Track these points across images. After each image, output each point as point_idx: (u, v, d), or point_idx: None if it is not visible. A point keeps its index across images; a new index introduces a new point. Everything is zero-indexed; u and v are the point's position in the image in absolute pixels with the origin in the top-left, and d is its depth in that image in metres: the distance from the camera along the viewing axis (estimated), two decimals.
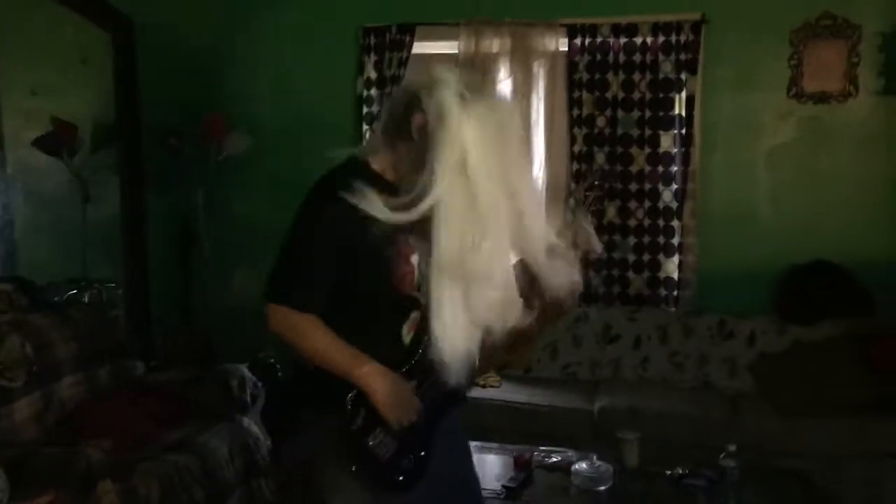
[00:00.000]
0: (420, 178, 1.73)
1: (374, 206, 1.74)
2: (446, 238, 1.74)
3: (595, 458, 2.98)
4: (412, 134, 1.79)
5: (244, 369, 3.77)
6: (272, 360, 4.25)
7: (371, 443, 1.89)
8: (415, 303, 1.93)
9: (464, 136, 1.71)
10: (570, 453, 3.12)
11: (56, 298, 3.86)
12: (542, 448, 3.19)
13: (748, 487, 2.80)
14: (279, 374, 4.18)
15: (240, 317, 4.40)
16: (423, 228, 1.80)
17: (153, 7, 4.50)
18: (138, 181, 4.54)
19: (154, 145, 4.49)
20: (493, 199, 1.74)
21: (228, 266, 4.54)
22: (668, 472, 2.95)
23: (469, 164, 1.72)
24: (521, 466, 3.02)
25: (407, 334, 1.96)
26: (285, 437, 3.72)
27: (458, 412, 2.14)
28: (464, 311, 1.84)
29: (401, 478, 1.93)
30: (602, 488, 2.87)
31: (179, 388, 3.62)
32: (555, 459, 3.09)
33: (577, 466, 2.96)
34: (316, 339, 1.86)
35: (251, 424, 3.65)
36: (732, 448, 2.77)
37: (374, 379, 1.85)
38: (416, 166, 1.76)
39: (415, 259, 1.91)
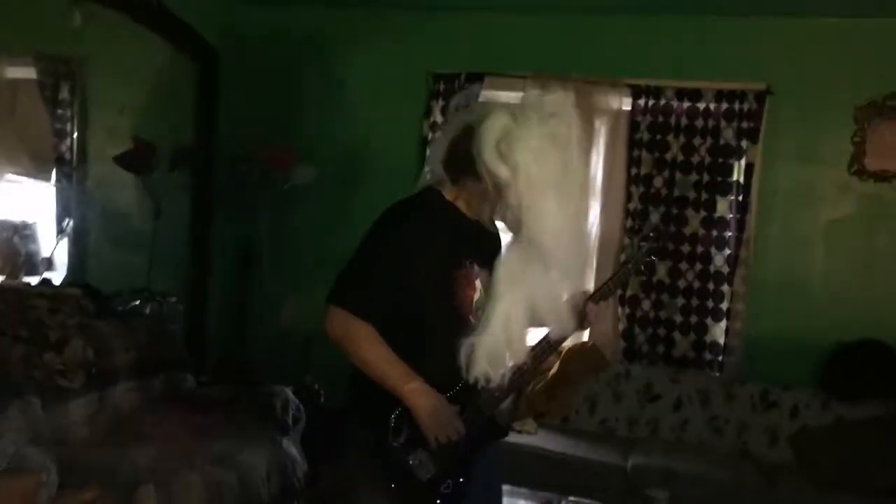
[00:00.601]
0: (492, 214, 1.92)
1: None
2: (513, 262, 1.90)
3: None
4: (476, 170, 1.90)
5: (288, 392, 3.88)
6: (316, 386, 4.36)
7: (411, 462, 1.95)
8: (469, 329, 1.99)
9: (520, 157, 1.84)
10: None
11: (120, 308, 4.06)
12: (570, 498, 3.21)
13: None
14: (322, 399, 4.28)
15: (290, 342, 4.56)
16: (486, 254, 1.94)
17: (239, 41, 4.75)
18: (208, 203, 4.75)
19: (225, 170, 4.70)
20: (557, 221, 1.88)
21: (284, 292, 4.69)
22: None
23: (531, 181, 1.85)
24: None
25: (459, 359, 2.00)
26: (325, 461, 3.84)
27: (495, 454, 2.20)
28: (510, 338, 1.94)
29: (438, 501, 1.98)
30: None
31: (225, 405, 3.74)
32: None
33: None
34: (370, 348, 1.93)
35: (290, 446, 3.75)
36: None
37: (421, 396, 1.92)
38: (487, 203, 1.92)
39: (478, 283, 2.00)
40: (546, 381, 4.36)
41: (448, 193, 2.00)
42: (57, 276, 4.52)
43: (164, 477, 2.97)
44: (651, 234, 2.33)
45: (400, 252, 1.92)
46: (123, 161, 4.54)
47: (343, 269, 1.96)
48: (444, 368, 1.99)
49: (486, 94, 4.59)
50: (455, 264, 1.95)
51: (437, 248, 1.93)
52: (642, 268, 2.34)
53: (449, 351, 1.98)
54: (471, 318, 2.00)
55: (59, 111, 4.94)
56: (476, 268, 2.00)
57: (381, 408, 1.95)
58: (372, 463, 1.97)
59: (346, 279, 1.95)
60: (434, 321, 1.98)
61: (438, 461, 1.97)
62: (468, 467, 2.05)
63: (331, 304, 1.94)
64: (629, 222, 4.44)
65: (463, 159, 1.92)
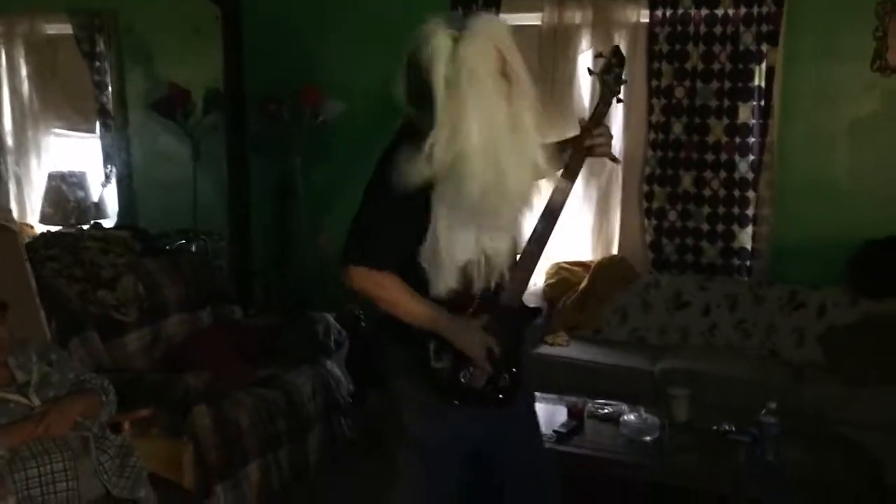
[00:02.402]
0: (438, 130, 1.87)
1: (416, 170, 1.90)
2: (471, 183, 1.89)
3: (643, 410, 3.17)
4: (423, 93, 1.89)
5: (329, 318, 4.10)
6: (358, 312, 4.57)
7: (463, 379, 2.10)
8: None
9: (461, 69, 1.84)
10: (623, 406, 3.31)
11: (167, 246, 4.30)
12: (596, 401, 3.38)
13: (790, 445, 2.92)
14: (363, 323, 4.50)
15: (330, 270, 4.75)
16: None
17: None
18: (242, 143, 4.93)
19: (256, 111, 4.86)
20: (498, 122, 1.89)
21: (321, 223, 4.89)
22: (715, 428, 3.09)
23: (470, 89, 1.84)
24: (574, 415, 3.23)
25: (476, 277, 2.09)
26: (369, 383, 4.06)
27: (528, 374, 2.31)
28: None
29: (500, 395, 2.15)
30: (648, 438, 3.05)
31: (271, 332, 3.98)
32: (606, 411, 3.29)
33: (626, 417, 3.15)
34: (397, 295, 2.04)
35: (334, 367, 3.98)
36: (773, 405, 2.88)
37: (452, 331, 2.05)
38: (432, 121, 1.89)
39: None
40: (576, 294, 4.49)
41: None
42: (109, 222, 4.80)
43: (215, 398, 3.22)
44: (613, 61, 2.19)
45: (398, 199, 1.95)
46: (159, 107, 4.75)
47: (351, 228, 2.04)
48: (464, 290, 2.07)
49: (505, 17, 4.63)
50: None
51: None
52: (618, 97, 2.22)
53: (464, 274, 2.06)
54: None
55: (97, 64, 5.16)
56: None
57: (418, 333, 2.07)
58: (420, 384, 2.11)
59: (356, 238, 2.03)
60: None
61: (490, 365, 2.10)
62: (517, 356, 2.19)
63: (347, 264, 2.02)
64: (652, 135, 4.49)
65: (416, 89, 1.93)
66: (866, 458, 3.04)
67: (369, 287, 2.04)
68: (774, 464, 2.84)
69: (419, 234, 2.01)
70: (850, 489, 2.78)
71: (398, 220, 2.00)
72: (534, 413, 2.41)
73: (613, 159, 2.30)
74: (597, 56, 2.36)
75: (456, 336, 2.06)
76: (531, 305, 2.32)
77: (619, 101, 2.23)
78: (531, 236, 2.12)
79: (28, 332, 2.75)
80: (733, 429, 3.07)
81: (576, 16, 4.50)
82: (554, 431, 3.09)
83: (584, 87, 4.57)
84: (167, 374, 3.34)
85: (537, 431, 2.44)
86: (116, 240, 3.78)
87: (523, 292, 2.17)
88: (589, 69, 2.38)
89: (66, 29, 5.16)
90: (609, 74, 2.19)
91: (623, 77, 2.21)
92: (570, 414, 3.24)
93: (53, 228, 4.36)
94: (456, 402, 2.11)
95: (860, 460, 2.99)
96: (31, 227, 4.94)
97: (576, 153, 2.17)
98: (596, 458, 3.02)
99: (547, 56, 4.55)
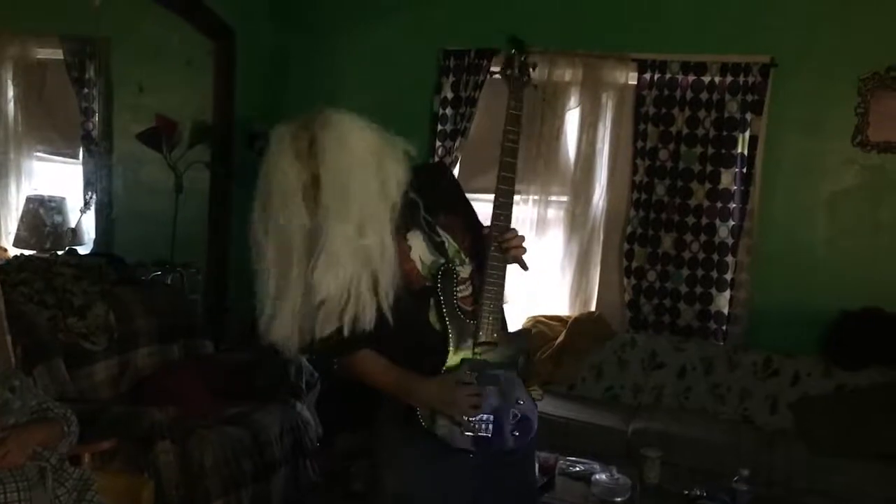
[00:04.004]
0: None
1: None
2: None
3: (615, 470, 3.13)
4: None
5: (303, 359, 4.03)
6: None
7: (468, 433, 2.02)
8: (430, 291, 2.03)
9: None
10: (595, 465, 3.27)
11: (143, 277, 4.24)
12: (568, 458, 3.34)
13: None
14: (335, 366, 4.43)
15: None
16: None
17: (254, 19, 4.88)
18: (227, 177, 4.91)
19: (243, 145, 4.85)
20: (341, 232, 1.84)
21: None
22: (686, 493, 3.07)
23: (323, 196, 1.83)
24: (546, 471, 3.19)
25: (435, 322, 2.05)
26: (342, 427, 3.98)
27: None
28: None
29: (484, 434, 2.04)
30: (619, 500, 3.02)
31: (242, 369, 3.91)
32: (578, 469, 3.25)
33: (597, 476, 3.12)
34: (374, 375, 2.02)
35: (303, 409, 3.91)
36: (745, 472, 2.87)
37: (427, 398, 1.99)
38: None
39: (414, 255, 2.03)
40: (553, 349, 4.47)
41: None
42: (86, 249, 4.74)
43: (180, 433, 3.15)
44: (511, 53, 2.09)
45: None
46: (146, 138, 4.72)
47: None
48: (431, 335, 2.04)
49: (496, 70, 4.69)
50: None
51: None
52: (525, 84, 2.11)
53: (423, 317, 2.03)
54: (423, 283, 2.03)
55: (86, 90, 5.14)
56: (407, 238, 2.02)
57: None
58: (408, 436, 2.04)
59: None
60: (400, 300, 1.98)
61: (486, 413, 2.03)
62: (506, 395, 2.07)
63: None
64: (635, 195, 4.53)
65: None
66: None
67: (347, 370, 2.03)
68: None
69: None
70: None
71: None
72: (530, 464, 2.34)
73: (523, 266, 2.11)
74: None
75: (435, 403, 1.99)
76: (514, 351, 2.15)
77: (535, 87, 2.11)
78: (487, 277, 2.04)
79: None
80: (704, 494, 3.04)
81: (566, 73, 4.57)
82: None
83: (571, 143, 4.62)
84: (132, 406, 3.26)
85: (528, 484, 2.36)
86: (91, 267, 3.73)
87: (496, 326, 2.07)
88: (500, 71, 2.24)
89: (56, 54, 5.15)
90: (511, 68, 2.09)
91: (527, 63, 2.10)
92: (541, 469, 3.19)
93: (28, 252, 4.30)
94: (470, 455, 2.03)
95: None
96: (5, 251, 4.86)
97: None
98: None
99: (535, 111, 4.60)
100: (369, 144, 1.92)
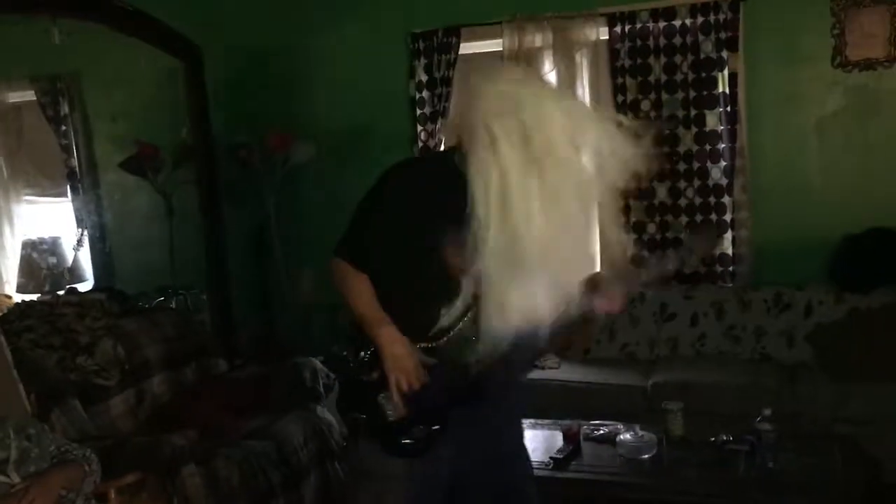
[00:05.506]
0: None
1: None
2: (500, 222, 1.90)
3: (639, 428, 3.13)
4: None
5: (316, 362, 4.04)
6: (344, 353, 4.51)
7: (379, 399, 2.08)
8: (459, 289, 2.08)
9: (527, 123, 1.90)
10: (618, 426, 3.26)
11: (146, 305, 4.25)
12: (591, 422, 3.34)
13: (788, 450, 2.89)
14: (351, 364, 4.44)
15: (314, 315, 4.73)
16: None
17: (218, 33, 4.85)
18: (215, 194, 4.90)
19: (227, 160, 4.83)
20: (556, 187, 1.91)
21: (300, 268, 4.84)
22: (712, 440, 3.06)
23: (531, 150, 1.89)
24: (570, 439, 3.19)
25: (444, 316, 2.11)
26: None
27: (517, 395, 2.33)
28: (511, 301, 1.95)
29: (406, 441, 2.11)
30: (646, 456, 3.02)
31: (258, 382, 3.92)
32: (602, 432, 3.25)
33: (622, 437, 3.11)
34: (357, 294, 2.10)
35: (324, 412, 3.91)
36: (767, 412, 2.86)
37: (387, 340, 2.05)
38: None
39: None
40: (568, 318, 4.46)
41: (459, 158, 2.01)
42: (87, 285, 4.74)
43: (204, 456, 3.16)
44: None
45: (392, 208, 2.04)
46: (130, 166, 4.71)
47: (347, 227, 2.15)
48: (428, 321, 2.10)
49: (466, 46, 4.65)
50: (443, 227, 1.94)
51: (429, 208, 1.99)
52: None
53: (436, 306, 2.09)
54: (461, 274, 2.05)
55: (63, 127, 5.13)
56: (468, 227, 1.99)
57: (362, 346, 2.11)
58: (354, 399, 2.17)
59: (346, 233, 2.14)
60: (427, 271, 2.05)
61: (413, 406, 2.06)
62: (446, 418, 2.12)
63: (334, 257, 2.14)
64: None
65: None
66: (864, 458, 3.01)
67: (341, 277, 2.12)
68: (774, 470, 2.80)
69: (405, 245, 2.05)
70: (850, 491, 2.74)
71: (395, 226, 2.06)
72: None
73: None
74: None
75: (387, 351, 2.05)
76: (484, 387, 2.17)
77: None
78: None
79: (7, 407, 2.69)
80: (730, 438, 3.03)
81: (536, 39, 4.52)
82: (551, 458, 3.05)
83: None
84: (152, 436, 3.27)
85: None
86: (92, 303, 3.73)
87: (489, 370, 2.11)
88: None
89: (28, 95, 5.13)
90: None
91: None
92: (565, 438, 3.20)
93: (31, 297, 4.30)
94: (362, 416, 2.14)
95: (858, 461, 2.96)
96: (9, 298, 4.86)
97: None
98: (595, 481, 2.99)
99: None
100: None
